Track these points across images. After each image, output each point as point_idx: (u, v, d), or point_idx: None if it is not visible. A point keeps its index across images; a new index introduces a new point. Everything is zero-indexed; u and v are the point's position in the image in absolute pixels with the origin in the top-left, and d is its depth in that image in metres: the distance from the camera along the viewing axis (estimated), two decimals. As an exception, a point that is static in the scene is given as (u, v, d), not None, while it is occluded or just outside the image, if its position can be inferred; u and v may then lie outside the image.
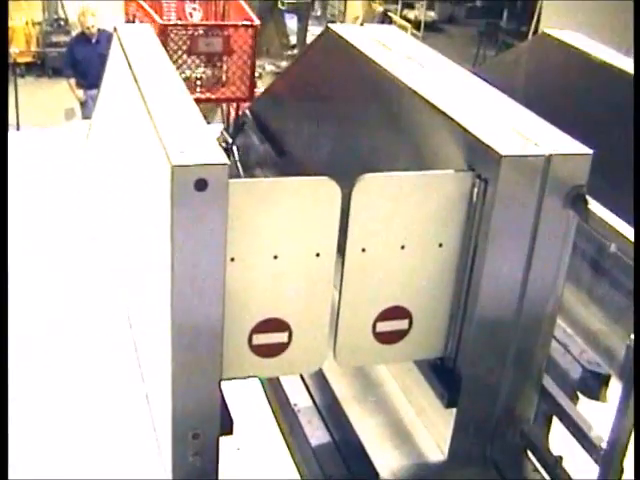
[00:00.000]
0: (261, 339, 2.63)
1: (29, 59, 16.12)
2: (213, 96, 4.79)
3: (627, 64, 3.70)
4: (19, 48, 15.50)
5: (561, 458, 2.75)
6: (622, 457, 2.44)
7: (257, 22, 4.58)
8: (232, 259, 2.46)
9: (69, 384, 3.08)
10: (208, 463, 2.67)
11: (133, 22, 4.71)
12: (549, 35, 4.21)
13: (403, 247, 2.65)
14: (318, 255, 2.55)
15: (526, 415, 2.89)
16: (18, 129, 10.72)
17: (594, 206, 2.51)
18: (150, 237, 2.76)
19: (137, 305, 3.27)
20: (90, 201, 4.28)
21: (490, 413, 2.87)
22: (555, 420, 2.88)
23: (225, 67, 4.72)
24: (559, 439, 2.86)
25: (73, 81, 11.21)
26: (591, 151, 2.55)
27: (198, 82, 4.59)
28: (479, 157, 2.58)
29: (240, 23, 4.62)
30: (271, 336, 2.64)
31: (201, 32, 4.52)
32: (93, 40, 10.85)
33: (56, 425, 2.90)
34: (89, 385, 3.08)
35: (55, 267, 3.78)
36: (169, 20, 4.84)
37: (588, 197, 2.53)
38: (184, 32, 4.50)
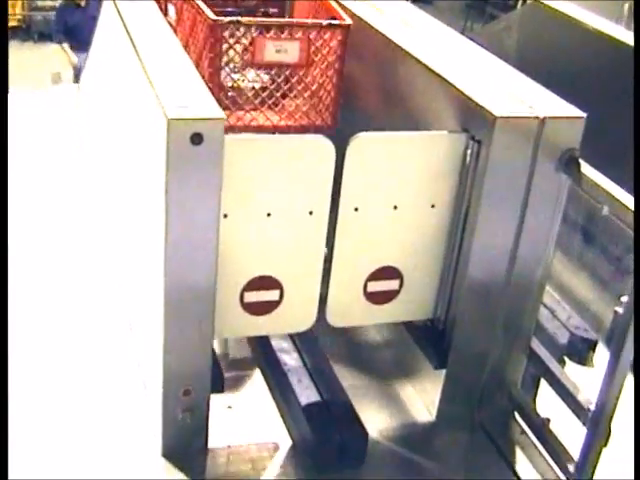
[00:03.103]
0: (252, 297, 2.64)
1: (14, 23, 15.93)
2: (282, 122, 3.19)
3: (617, 31, 3.72)
4: (4, 12, 15.36)
5: (548, 420, 2.77)
6: (610, 419, 2.46)
7: (349, 21, 3.14)
8: (225, 215, 2.46)
9: (66, 375, 3.03)
10: (198, 420, 2.68)
11: (165, 14, 3.40)
12: (540, 3, 4.22)
13: (396, 207, 2.66)
14: (311, 213, 2.56)
15: (514, 378, 2.91)
16: (4, 93, 10.62)
17: (586, 169, 2.51)
18: (145, 194, 2.75)
19: (130, 263, 3.26)
20: (82, 161, 4.26)
21: (479, 376, 2.88)
22: (543, 384, 2.91)
23: (298, 82, 3.17)
24: (546, 402, 2.89)
25: (67, 45, 11.08)
26: (585, 114, 2.56)
27: (257, 100, 3.17)
28: (473, 118, 2.58)
29: (325, 22, 3.13)
30: (262, 294, 2.64)
31: (270, 34, 3.08)
32: (82, 4, 10.73)
33: (54, 420, 2.84)
34: (88, 378, 3.03)
35: (47, 233, 3.76)
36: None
37: (581, 160, 2.54)
38: (245, 33, 3.04)
